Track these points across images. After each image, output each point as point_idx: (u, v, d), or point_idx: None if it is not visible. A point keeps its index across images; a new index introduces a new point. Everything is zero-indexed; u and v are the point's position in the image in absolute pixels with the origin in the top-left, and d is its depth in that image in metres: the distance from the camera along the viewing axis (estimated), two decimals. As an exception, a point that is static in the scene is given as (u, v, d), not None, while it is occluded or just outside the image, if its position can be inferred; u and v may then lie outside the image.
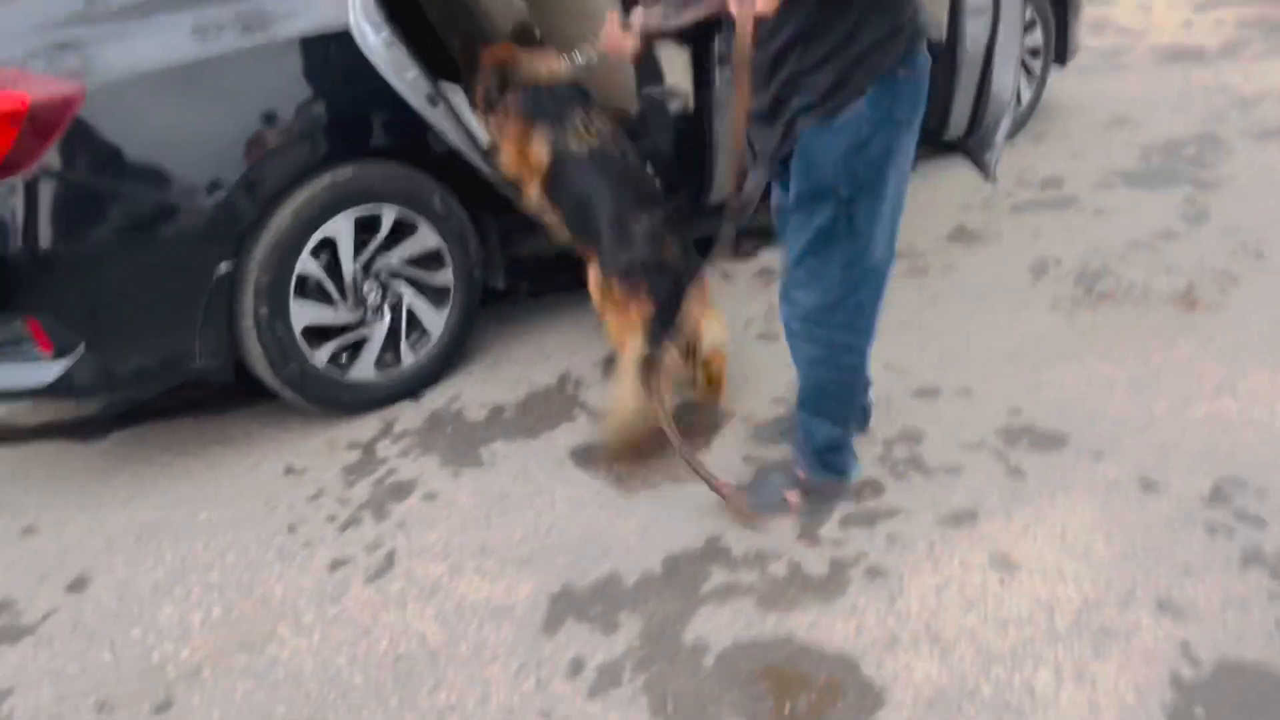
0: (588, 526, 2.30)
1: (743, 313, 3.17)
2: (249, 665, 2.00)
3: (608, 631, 2.00)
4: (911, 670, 1.84)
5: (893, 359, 2.83)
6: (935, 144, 3.85)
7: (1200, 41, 5.67)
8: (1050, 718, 1.73)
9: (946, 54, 3.08)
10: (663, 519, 2.30)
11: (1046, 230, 3.56)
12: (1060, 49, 4.48)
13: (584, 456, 2.56)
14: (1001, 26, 2.97)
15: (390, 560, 2.25)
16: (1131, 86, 5.04)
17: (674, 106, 3.12)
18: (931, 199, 3.91)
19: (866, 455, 2.43)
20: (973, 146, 3.26)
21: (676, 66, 2.89)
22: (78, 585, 2.26)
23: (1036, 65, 4.45)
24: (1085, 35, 5.00)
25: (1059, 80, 4.84)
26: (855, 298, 2.04)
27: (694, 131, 2.94)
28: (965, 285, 3.23)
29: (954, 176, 4.07)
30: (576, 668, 1.93)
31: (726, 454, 2.50)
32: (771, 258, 3.56)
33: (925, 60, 1.92)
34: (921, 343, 2.91)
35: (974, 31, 3.02)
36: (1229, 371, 2.63)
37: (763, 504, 2.27)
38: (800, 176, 1.96)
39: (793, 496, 2.26)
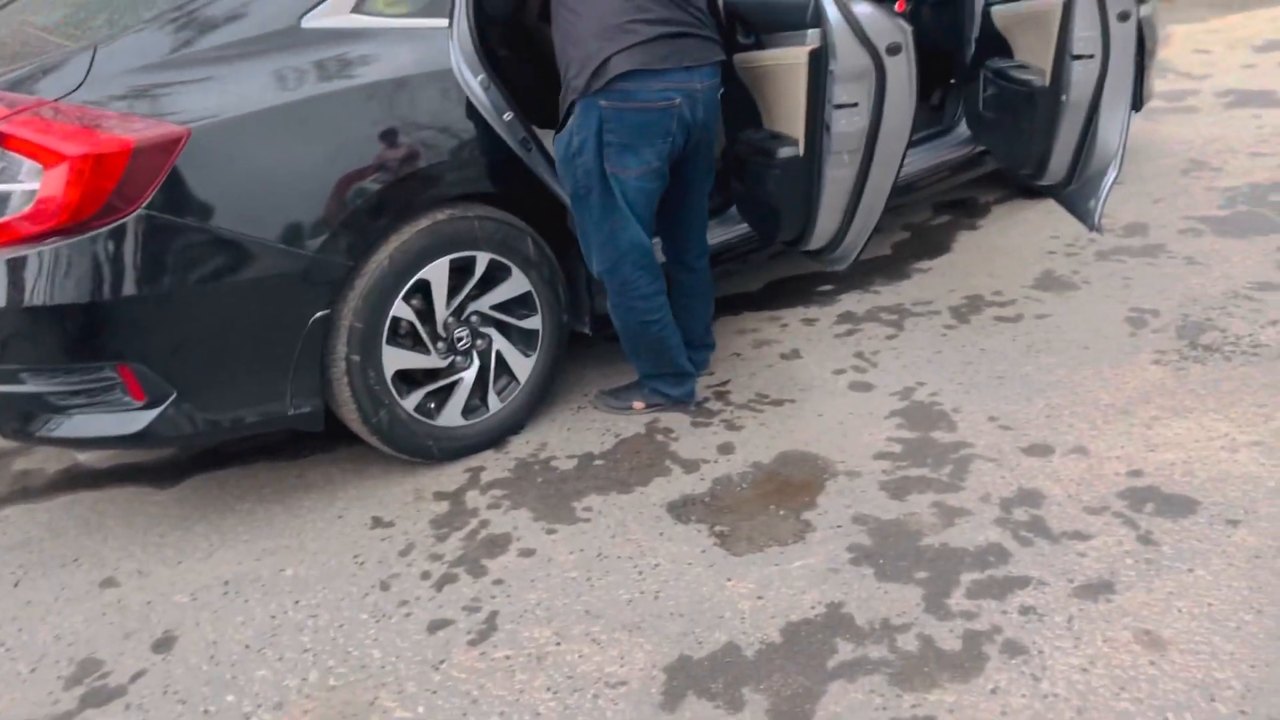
0: (696, 590, 2.20)
1: (829, 360, 3.07)
2: (353, 737, 1.89)
3: (733, 709, 1.89)
4: (1068, 760, 1.73)
5: (998, 412, 2.72)
6: (1034, 189, 3.76)
7: (1266, 84, 5.57)
8: (1228, 817, 1.61)
9: (1048, 97, 2.98)
10: (776, 582, 2.19)
11: (1138, 279, 3.45)
12: (1136, 95, 4.39)
13: (681, 512, 2.46)
14: (1111, 72, 2.87)
15: (492, 623, 2.15)
16: (1202, 130, 4.94)
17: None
18: (1013, 243, 3.82)
19: (984, 515, 2.32)
20: (1074, 195, 3.16)
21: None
22: (164, 644, 2.17)
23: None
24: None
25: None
26: (619, 273, 2.55)
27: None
28: (1062, 335, 3.12)
29: (1030, 220, 3.99)
30: (704, 748, 1.81)
31: (834, 512, 2.40)
32: (852, 299, 3.47)
33: (645, 96, 2.35)
34: (1026, 396, 2.80)
35: (1079, 78, 2.91)
36: (1358, 433, 2.51)
37: (614, 404, 2.88)
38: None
39: (638, 404, 2.85)
